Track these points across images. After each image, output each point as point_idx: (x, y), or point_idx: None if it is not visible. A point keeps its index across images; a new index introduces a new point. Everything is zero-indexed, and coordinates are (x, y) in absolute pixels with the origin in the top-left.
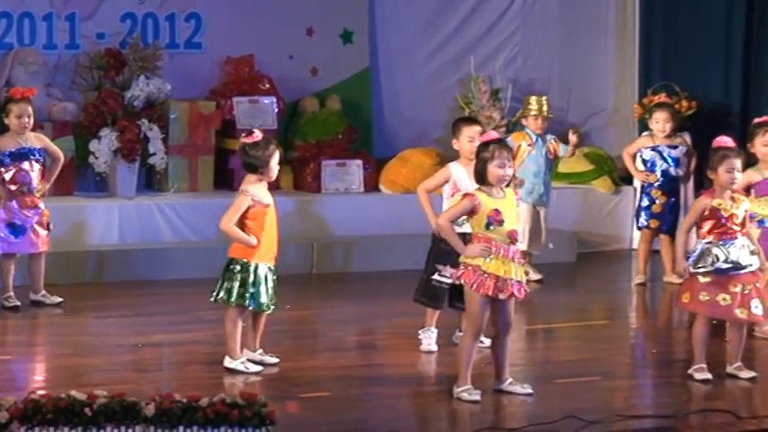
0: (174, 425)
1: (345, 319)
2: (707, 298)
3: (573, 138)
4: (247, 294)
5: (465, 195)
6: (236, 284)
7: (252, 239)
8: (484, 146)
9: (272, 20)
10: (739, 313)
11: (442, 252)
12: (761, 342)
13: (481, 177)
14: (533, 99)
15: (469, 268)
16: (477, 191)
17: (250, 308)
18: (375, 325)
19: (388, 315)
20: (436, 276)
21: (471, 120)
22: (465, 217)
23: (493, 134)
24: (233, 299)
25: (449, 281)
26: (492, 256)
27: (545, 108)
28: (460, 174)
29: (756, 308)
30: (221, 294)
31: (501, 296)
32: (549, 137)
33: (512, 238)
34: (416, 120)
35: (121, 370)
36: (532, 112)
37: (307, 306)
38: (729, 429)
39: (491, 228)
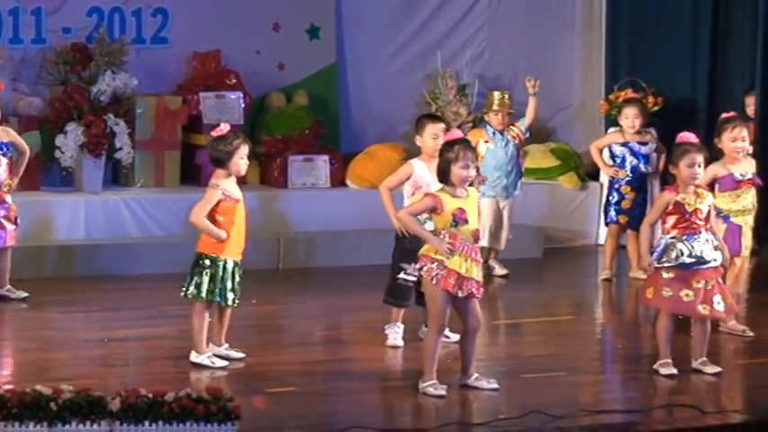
0: (139, 420)
1: (311, 314)
2: (670, 293)
3: (529, 85)
4: (216, 290)
5: (426, 194)
6: (206, 279)
7: (221, 233)
8: (448, 145)
9: (239, 15)
10: (702, 309)
11: (406, 251)
12: (726, 337)
13: (444, 177)
14: (495, 94)
15: (431, 262)
16: (440, 191)
17: (218, 302)
18: (341, 320)
19: (354, 310)
20: (402, 275)
21: (435, 117)
22: (427, 216)
23: (457, 133)
24: (203, 294)
25: (414, 278)
26: (456, 253)
27: (507, 103)
28: (422, 170)
29: (718, 304)
30: (191, 289)
31: (460, 294)
32: (511, 130)
33: (475, 237)
34: (383, 115)
35: (87, 365)
36: (494, 108)
37: (273, 301)
38: (694, 424)
39: (457, 226)
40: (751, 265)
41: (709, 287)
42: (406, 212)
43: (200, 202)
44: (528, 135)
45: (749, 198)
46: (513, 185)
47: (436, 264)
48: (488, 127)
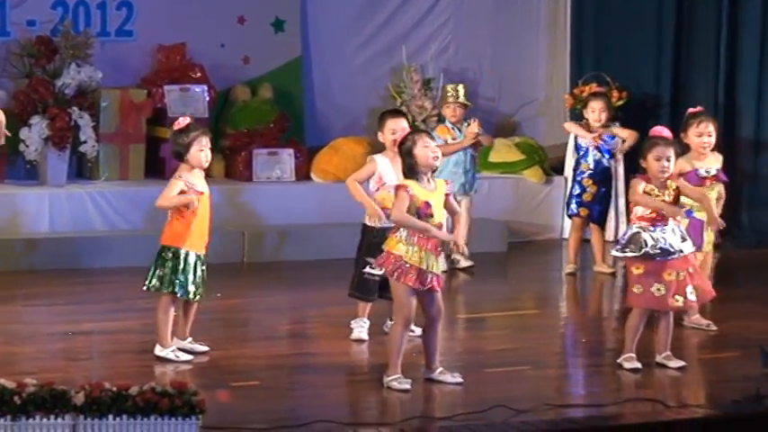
0: (103, 414)
1: (276, 308)
2: (641, 290)
3: (470, 128)
4: (176, 281)
5: (399, 187)
6: (168, 272)
7: (191, 198)
8: (404, 138)
9: (204, 8)
10: (675, 302)
11: (372, 245)
12: (690, 331)
13: (411, 168)
14: (449, 87)
15: (391, 257)
16: (409, 180)
17: (178, 296)
18: (306, 314)
19: (319, 304)
20: (367, 270)
21: (397, 112)
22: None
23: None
24: (165, 286)
25: (380, 273)
26: (415, 249)
27: (461, 96)
28: (385, 166)
29: (691, 293)
30: (153, 282)
31: (421, 288)
32: (465, 124)
33: (438, 229)
34: (348, 109)
35: (51, 358)
36: (448, 101)
37: (238, 295)
38: (658, 418)
39: (421, 220)
40: (714, 260)
41: (681, 278)
42: (398, 213)
43: (164, 190)
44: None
45: (713, 194)
46: (470, 184)
47: (396, 258)
48: (447, 122)
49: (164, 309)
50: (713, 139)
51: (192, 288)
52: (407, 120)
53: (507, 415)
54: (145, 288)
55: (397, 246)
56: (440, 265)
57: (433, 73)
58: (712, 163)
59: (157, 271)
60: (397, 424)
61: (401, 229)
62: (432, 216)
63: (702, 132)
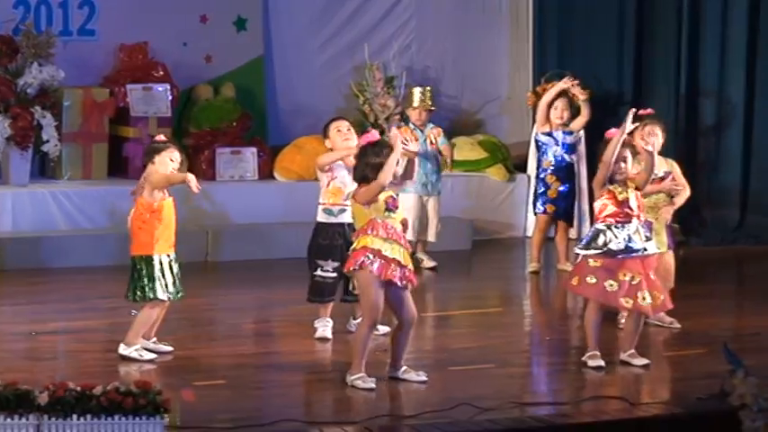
0: (67, 413)
1: (241, 307)
2: (594, 281)
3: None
4: (156, 287)
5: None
6: (146, 281)
7: (187, 176)
8: (376, 147)
9: (166, 7)
10: (624, 302)
11: (322, 247)
12: (654, 329)
13: (365, 179)
14: (416, 90)
15: (366, 253)
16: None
17: (164, 299)
18: (270, 313)
19: (283, 303)
20: (319, 272)
21: (337, 118)
22: (348, 207)
23: (375, 134)
24: (147, 295)
25: (332, 275)
26: (392, 242)
27: (428, 100)
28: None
29: (644, 300)
30: (137, 294)
31: (400, 283)
32: (429, 126)
33: (404, 224)
34: (311, 107)
35: (15, 358)
36: (414, 104)
37: (201, 294)
38: (623, 416)
39: (389, 213)
40: (677, 258)
41: (635, 282)
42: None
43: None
44: (445, 144)
45: (661, 195)
46: (432, 185)
47: (373, 255)
48: (410, 124)
49: (147, 315)
50: (658, 142)
51: (172, 289)
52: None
53: (472, 413)
54: (130, 299)
55: (373, 241)
56: (409, 260)
57: (396, 71)
58: (660, 165)
59: (138, 283)
60: (363, 422)
61: (372, 228)
62: (397, 208)
63: (645, 136)
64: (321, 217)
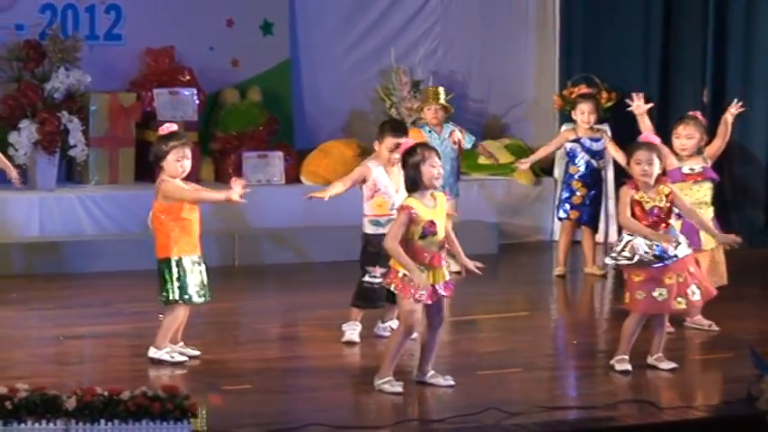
0: (95, 418)
1: (267, 311)
2: (643, 296)
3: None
4: (182, 289)
5: (401, 209)
6: (169, 282)
7: (230, 194)
8: (411, 151)
9: (193, 11)
10: (677, 304)
11: (371, 255)
12: (691, 332)
13: (414, 182)
14: (429, 89)
15: (402, 277)
16: (412, 200)
17: (189, 303)
18: (297, 317)
19: (310, 307)
20: (366, 278)
21: (398, 128)
22: (391, 217)
23: (411, 141)
24: (174, 297)
25: (379, 280)
26: (422, 268)
27: (441, 98)
28: (380, 174)
29: (693, 294)
30: (164, 295)
31: (431, 301)
32: (449, 127)
33: (441, 246)
34: (337, 111)
35: (43, 363)
36: (430, 102)
37: (229, 298)
38: (650, 420)
39: (426, 238)
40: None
41: (682, 280)
42: (392, 239)
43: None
44: (468, 148)
45: (702, 191)
46: (450, 188)
47: (406, 279)
48: (425, 126)
49: (175, 317)
50: (692, 142)
51: (195, 290)
52: (407, 134)
53: (499, 417)
54: (163, 302)
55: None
56: (446, 272)
57: (422, 75)
58: (697, 162)
59: (164, 285)
60: (390, 427)
61: (405, 251)
62: (435, 234)
63: (680, 135)
64: (369, 229)
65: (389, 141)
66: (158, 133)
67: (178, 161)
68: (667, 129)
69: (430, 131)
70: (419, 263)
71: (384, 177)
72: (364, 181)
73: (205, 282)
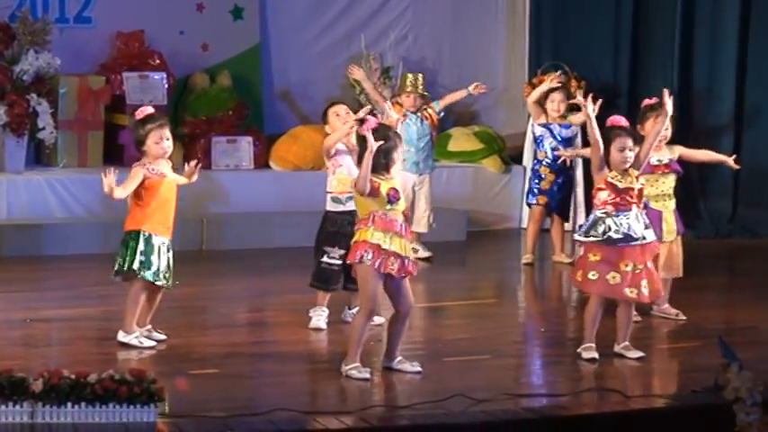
0: (62, 401)
1: (235, 296)
2: (596, 276)
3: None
4: (142, 264)
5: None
6: (131, 254)
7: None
8: (385, 135)
9: None
10: (629, 292)
11: (330, 234)
12: (659, 321)
13: (379, 166)
14: (408, 76)
15: (365, 246)
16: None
17: (149, 280)
18: (265, 302)
19: (277, 292)
20: (325, 259)
21: (336, 101)
22: (351, 195)
23: (374, 120)
24: (127, 266)
25: (338, 262)
26: (392, 235)
27: (420, 86)
28: (341, 148)
29: (645, 288)
30: (118, 265)
31: (397, 275)
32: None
33: (405, 215)
34: (307, 97)
35: (10, 345)
36: (407, 90)
37: (196, 283)
38: (617, 408)
39: (392, 205)
40: (684, 245)
41: (637, 270)
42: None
43: (126, 181)
44: (442, 115)
45: (668, 183)
46: (424, 163)
47: (373, 250)
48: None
49: (134, 295)
50: (669, 132)
51: (153, 269)
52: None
53: (466, 404)
54: (113, 275)
55: (372, 235)
56: (411, 250)
57: (393, 61)
58: (665, 153)
59: (125, 256)
60: (357, 412)
61: (372, 221)
62: (399, 199)
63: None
64: (330, 205)
65: (332, 110)
66: (134, 118)
67: (157, 143)
68: (635, 116)
69: (407, 112)
70: (392, 233)
71: (346, 154)
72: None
73: (171, 267)
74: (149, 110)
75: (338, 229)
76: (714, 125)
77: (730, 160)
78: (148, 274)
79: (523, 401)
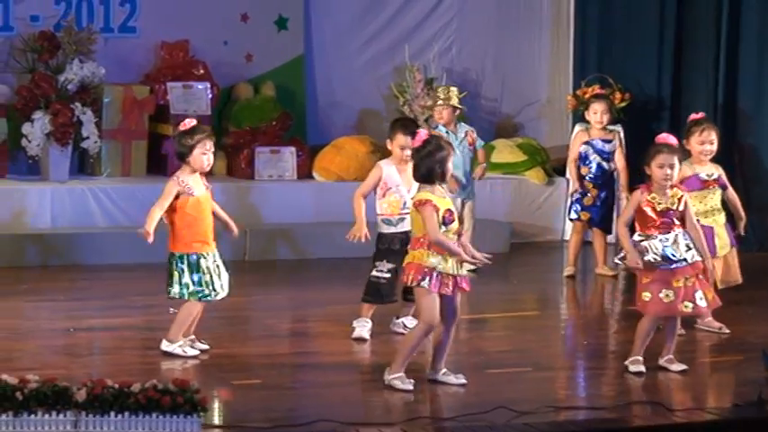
0: (105, 410)
1: (278, 307)
2: (649, 297)
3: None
4: (195, 287)
5: (423, 203)
6: (178, 280)
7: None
8: (433, 143)
9: (207, 5)
10: (684, 308)
11: (380, 251)
12: (702, 334)
13: (432, 174)
14: (440, 90)
15: (421, 269)
16: (426, 194)
17: (205, 301)
18: (307, 312)
19: (320, 302)
20: (374, 273)
21: (408, 125)
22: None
23: (425, 133)
24: (179, 296)
25: (387, 275)
26: (445, 257)
27: (453, 99)
28: (391, 172)
29: (701, 299)
30: (175, 289)
31: (454, 291)
32: (464, 127)
33: (458, 234)
34: (351, 108)
35: (53, 354)
36: (438, 102)
37: (239, 293)
38: (659, 422)
39: (446, 226)
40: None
41: (690, 284)
42: (436, 233)
43: (160, 196)
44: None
45: (716, 198)
46: (472, 187)
47: (429, 274)
48: (441, 127)
49: (188, 309)
50: (715, 147)
51: (213, 288)
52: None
53: (509, 416)
54: (168, 296)
55: (428, 259)
56: (464, 267)
57: (436, 73)
58: (712, 168)
59: (174, 283)
60: (400, 424)
61: (428, 244)
62: (454, 221)
63: (705, 140)
64: (382, 228)
65: (400, 139)
66: (179, 129)
67: (204, 154)
68: (679, 130)
69: (447, 132)
70: (446, 254)
71: (395, 176)
72: (380, 180)
73: (215, 279)
74: (194, 121)
75: (388, 245)
76: (759, 137)
77: (742, 225)
78: (202, 297)
79: (566, 414)
